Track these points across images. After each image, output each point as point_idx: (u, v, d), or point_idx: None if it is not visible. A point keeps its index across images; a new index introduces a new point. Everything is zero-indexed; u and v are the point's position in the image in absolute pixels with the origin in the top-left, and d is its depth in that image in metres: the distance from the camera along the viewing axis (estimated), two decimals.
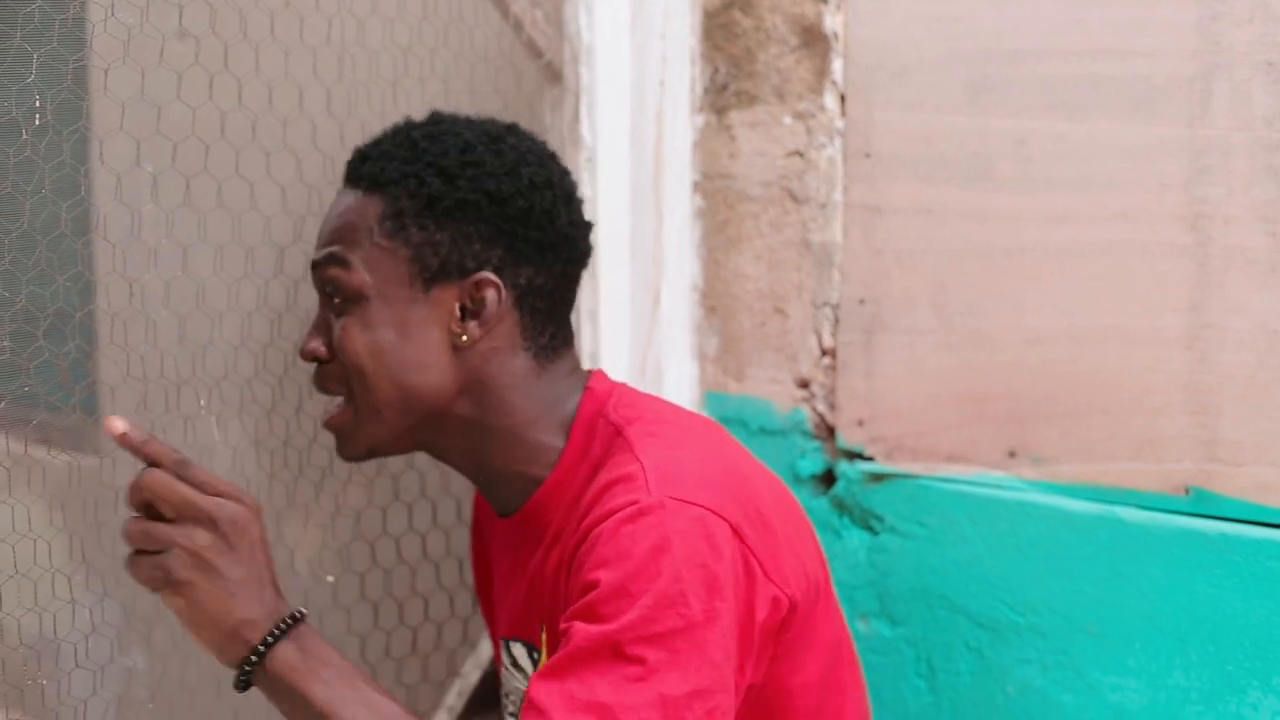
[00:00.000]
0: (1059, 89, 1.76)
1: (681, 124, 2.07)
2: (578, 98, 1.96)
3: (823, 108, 1.94)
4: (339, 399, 1.52)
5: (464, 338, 1.47)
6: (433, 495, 1.94)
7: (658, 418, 1.49)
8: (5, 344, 1.46)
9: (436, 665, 1.94)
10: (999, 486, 1.82)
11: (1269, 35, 1.63)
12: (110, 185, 1.56)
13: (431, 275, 1.47)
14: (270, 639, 1.34)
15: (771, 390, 2.00)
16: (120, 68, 1.53)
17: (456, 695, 1.98)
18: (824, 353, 1.96)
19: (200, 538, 1.33)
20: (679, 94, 2.06)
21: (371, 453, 1.52)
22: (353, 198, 1.50)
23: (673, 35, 1.93)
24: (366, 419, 1.49)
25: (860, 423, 1.94)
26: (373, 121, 1.80)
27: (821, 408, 1.97)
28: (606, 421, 1.48)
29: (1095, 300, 1.75)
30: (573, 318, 1.59)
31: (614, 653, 1.27)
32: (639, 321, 2.03)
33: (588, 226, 1.58)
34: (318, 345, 1.50)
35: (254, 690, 1.37)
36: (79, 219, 1.54)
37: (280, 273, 1.75)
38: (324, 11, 1.73)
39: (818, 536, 1.57)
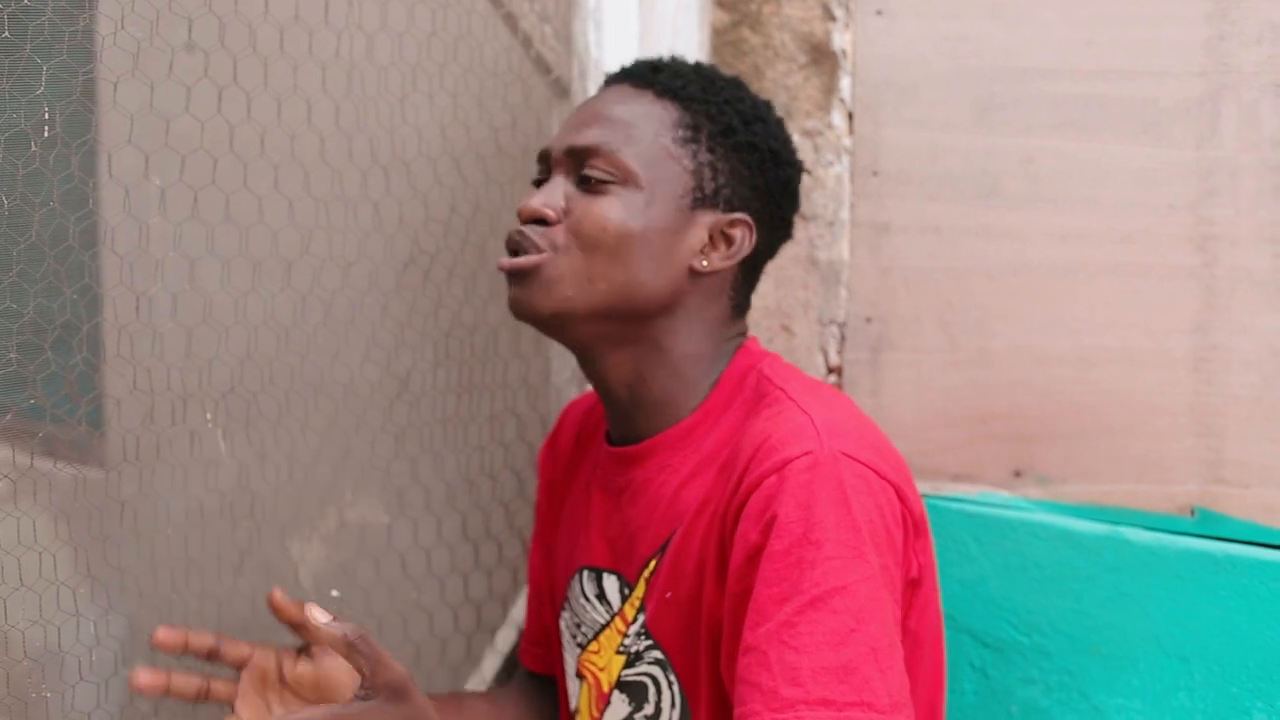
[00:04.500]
0: (1067, 108, 1.76)
1: None
2: None
3: (830, 125, 1.94)
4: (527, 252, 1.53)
5: (704, 263, 1.54)
6: (437, 511, 1.93)
7: (811, 381, 1.55)
8: (12, 356, 1.46)
9: (440, 682, 1.94)
10: (1004, 506, 1.82)
11: (1277, 56, 1.63)
12: (118, 198, 1.57)
13: (702, 197, 1.54)
14: None
15: None
16: (129, 80, 1.53)
17: None
18: (830, 370, 1.96)
19: None
20: None
21: (555, 316, 1.52)
22: (641, 98, 1.56)
23: (681, 52, 1.92)
24: (576, 282, 1.50)
25: None
26: (381, 136, 1.80)
27: None
28: (760, 375, 1.54)
29: (1102, 320, 1.75)
30: None
31: (819, 607, 1.31)
32: None
33: None
34: (547, 207, 1.52)
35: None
36: (87, 231, 1.54)
37: (287, 286, 1.74)
38: (333, 26, 1.73)
39: None
